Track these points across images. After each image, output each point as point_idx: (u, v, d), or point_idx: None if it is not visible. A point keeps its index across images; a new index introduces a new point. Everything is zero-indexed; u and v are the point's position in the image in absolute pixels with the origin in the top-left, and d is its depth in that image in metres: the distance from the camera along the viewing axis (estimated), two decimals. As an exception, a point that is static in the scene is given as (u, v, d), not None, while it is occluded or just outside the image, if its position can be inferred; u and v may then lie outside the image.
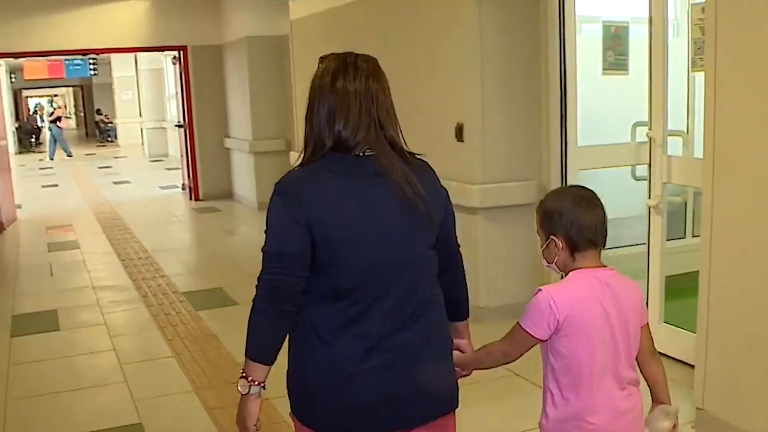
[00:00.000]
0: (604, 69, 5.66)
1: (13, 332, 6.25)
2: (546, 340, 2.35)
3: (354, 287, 2.16)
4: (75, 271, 8.38)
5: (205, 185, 12.93)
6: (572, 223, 2.35)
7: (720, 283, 3.88)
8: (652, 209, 4.90)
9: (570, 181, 5.59)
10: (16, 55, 13.14)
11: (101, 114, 31.72)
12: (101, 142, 30.37)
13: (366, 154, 2.17)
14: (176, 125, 13.76)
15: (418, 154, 2.31)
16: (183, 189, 13.89)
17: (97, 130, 32.08)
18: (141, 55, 21.29)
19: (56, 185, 16.82)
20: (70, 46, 12.24)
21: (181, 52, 12.71)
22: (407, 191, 2.15)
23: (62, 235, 10.70)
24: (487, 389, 4.44)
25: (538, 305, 2.31)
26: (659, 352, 2.59)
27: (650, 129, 4.86)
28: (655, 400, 2.50)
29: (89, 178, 17.98)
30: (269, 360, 2.18)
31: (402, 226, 2.19)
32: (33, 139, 29.59)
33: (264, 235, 2.18)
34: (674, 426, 2.41)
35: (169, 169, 18.28)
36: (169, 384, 5.00)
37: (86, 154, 25.95)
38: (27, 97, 46.36)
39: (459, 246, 2.46)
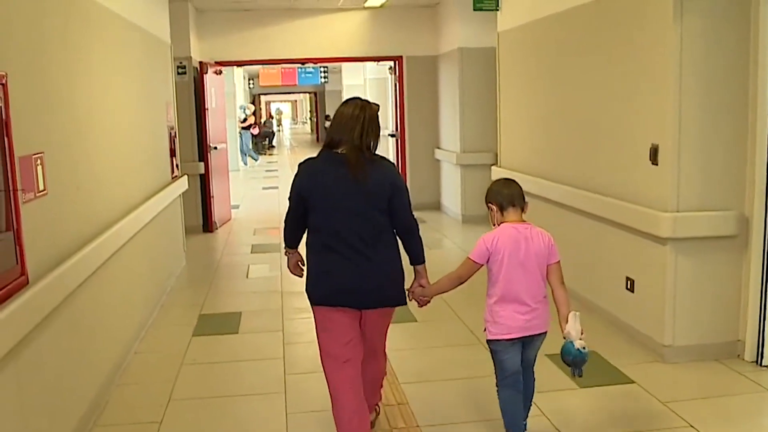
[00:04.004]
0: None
1: (195, 331, 6.45)
2: (486, 263, 3.91)
3: (326, 225, 3.79)
4: (269, 275, 8.59)
5: (413, 196, 12.61)
6: (497, 193, 3.98)
7: None
8: None
9: (775, 214, 5.00)
10: (238, 64, 13.74)
11: (329, 120, 32.78)
12: (329, 148, 31.36)
13: (342, 152, 3.79)
14: (389, 134, 13.82)
15: (384, 158, 3.94)
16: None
17: (327, 135, 33.16)
18: (368, 64, 21.70)
19: (276, 187, 17.48)
20: (294, 56, 12.66)
21: (396, 63, 12.80)
22: (356, 175, 3.71)
23: (267, 237, 11.05)
24: None
25: (479, 245, 3.89)
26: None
27: None
28: (561, 314, 3.84)
29: (309, 183, 18.49)
30: (292, 246, 4.21)
31: (353, 192, 3.73)
32: (266, 142, 31.06)
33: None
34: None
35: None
36: (324, 399, 4.83)
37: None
38: (268, 102, 48.91)
39: (413, 215, 3.99)
